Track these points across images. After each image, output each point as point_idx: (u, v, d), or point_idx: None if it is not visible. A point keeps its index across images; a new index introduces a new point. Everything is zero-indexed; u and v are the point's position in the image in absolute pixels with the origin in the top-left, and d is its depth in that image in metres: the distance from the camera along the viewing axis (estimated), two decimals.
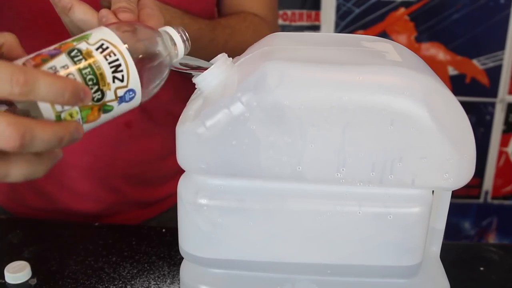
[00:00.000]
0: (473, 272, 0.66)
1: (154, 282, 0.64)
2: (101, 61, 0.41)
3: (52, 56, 0.40)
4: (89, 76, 0.41)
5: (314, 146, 0.48)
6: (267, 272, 0.55)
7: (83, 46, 0.42)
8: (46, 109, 0.39)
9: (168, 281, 0.64)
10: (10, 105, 0.40)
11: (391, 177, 0.49)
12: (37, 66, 0.39)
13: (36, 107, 0.39)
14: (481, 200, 1.86)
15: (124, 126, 0.79)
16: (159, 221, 0.89)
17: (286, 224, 0.51)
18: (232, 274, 0.55)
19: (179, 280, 0.60)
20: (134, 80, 0.43)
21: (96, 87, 0.41)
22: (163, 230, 0.74)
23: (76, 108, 0.40)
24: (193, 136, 0.48)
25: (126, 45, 0.43)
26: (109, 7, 0.50)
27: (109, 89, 0.42)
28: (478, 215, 1.89)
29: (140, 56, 0.44)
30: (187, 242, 0.54)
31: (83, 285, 0.64)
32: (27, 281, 0.63)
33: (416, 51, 1.57)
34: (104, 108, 0.42)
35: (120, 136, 0.79)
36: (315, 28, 1.73)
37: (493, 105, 1.75)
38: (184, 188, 0.52)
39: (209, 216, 0.51)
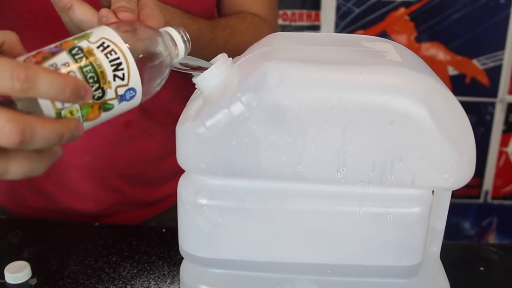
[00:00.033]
0: (473, 272, 0.66)
1: (154, 282, 0.64)
2: (102, 59, 0.41)
3: (53, 53, 0.40)
4: (90, 74, 0.41)
5: (314, 146, 0.48)
6: (267, 272, 0.55)
7: (84, 44, 0.42)
8: (47, 106, 0.39)
9: (168, 281, 0.64)
10: (9, 106, 0.40)
11: (391, 177, 0.49)
12: (38, 63, 0.39)
13: (36, 106, 0.39)
14: (481, 200, 1.86)
15: (124, 125, 0.79)
16: (159, 221, 0.89)
17: (286, 224, 0.51)
18: (232, 274, 0.55)
19: (179, 280, 0.60)
20: (134, 79, 0.43)
21: (97, 85, 0.41)
22: (163, 230, 0.74)
23: (77, 106, 0.40)
24: (193, 136, 0.48)
25: (127, 44, 0.43)
26: (109, 7, 0.50)
27: (110, 87, 0.42)
28: (478, 215, 1.89)
29: (141, 55, 0.44)
30: (187, 242, 0.54)
31: (83, 285, 0.64)
32: (27, 281, 0.63)
33: (416, 51, 1.57)
34: (105, 107, 0.42)
35: (120, 136, 0.79)
36: (315, 28, 1.73)
37: (493, 105, 1.75)
38: (184, 188, 0.52)
39: (209, 216, 0.51)
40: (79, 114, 0.41)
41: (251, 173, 0.50)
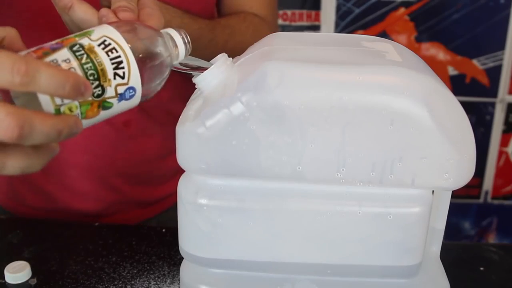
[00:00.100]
0: (473, 272, 0.66)
1: (154, 282, 0.64)
2: (103, 57, 0.41)
3: (54, 49, 0.40)
4: (90, 71, 0.41)
5: (314, 146, 0.48)
6: (267, 272, 0.55)
7: (85, 41, 0.42)
8: (46, 102, 0.39)
9: (168, 281, 0.64)
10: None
11: (391, 177, 0.49)
12: (38, 59, 0.39)
13: (35, 102, 0.39)
14: (481, 200, 1.86)
15: (124, 125, 0.79)
16: (159, 220, 0.89)
17: (286, 224, 0.51)
18: (232, 274, 0.55)
19: (179, 280, 0.60)
20: (135, 78, 0.43)
21: (97, 82, 0.41)
22: (163, 230, 0.74)
23: (76, 103, 0.40)
24: (193, 136, 0.48)
25: (128, 43, 0.43)
26: (109, 6, 0.50)
27: (110, 86, 0.42)
28: (478, 215, 1.89)
29: (142, 54, 0.44)
30: (187, 242, 0.54)
31: (83, 285, 0.64)
32: (27, 281, 0.63)
33: (416, 51, 1.57)
34: (104, 105, 0.42)
35: (120, 136, 0.79)
36: (315, 28, 1.73)
37: (493, 105, 1.75)
38: (184, 188, 0.52)
39: (209, 216, 0.51)
40: (78, 111, 0.41)
41: (251, 173, 0.49)
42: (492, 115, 1.76)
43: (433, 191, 0.52)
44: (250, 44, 0.56)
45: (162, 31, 0.48)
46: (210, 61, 0.50)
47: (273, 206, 0.51)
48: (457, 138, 0.48)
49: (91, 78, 0.41)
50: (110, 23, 0.45)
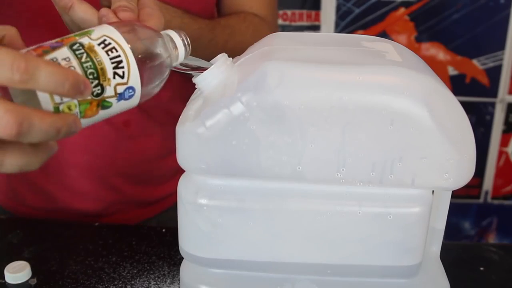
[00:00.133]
0: (473, 272, 0.66)
1: (154, 282, 0.64)
2: (103, 56, 0.41)
3: (54, 48, 0.40)
4: (90, 70, 0.40)
5: (314, 146, 0.48)
6: (267, 272, 0.55)
7: (85, 40, 0.42)
8: (45, 100, 0.39)
9: (168, 281, 0.64)
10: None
11: (391, 177, 0.49)
12: (38, 57, 0.39)
13: (34, 100, 0.39)
14: (481, 200, 1.86)
15: (124, 125, 0.79)
16: (159, 220, 0.89)
17: (286, 224, 0.51)
18: (232, 274, 0.55)
19: (179, 280, 0.60)
20: (134, 78, 0.43)
21: (96, 81, 0.41)
22: (163, 230, 0.74)
23: (75, 102, 0.40)
24: (193, 136, 0.48)
25: (128, 43, 0.43)
26: (109, 6, 0.50)
27: (109, 85, 0.42)
28: (478, 215, 1.89)
29: (142, 55, 0.44)
30: (187, 242, 0.54)
31: (83, 285, 0.64)
32: (27, 281, 0.63)
33: (416, 51, 1.57)
34: (103, 104, 0.42)
35: (120, 135, 0.79)
36: (315, 28, 1.73)
37: (493, 105, 1.75)
38: (184, 188, 0.52)
39: (209, 216, 0.51)
40: (77, 110, 0.41)
41: (251, 173, 0.49)
42: (492, 115, 1.76)
43: (433, 191, 0.52)
44: (250, 44, 0.56)
45: (162, 32, 0.48)
46: (210, 61, 0.50)
47: (273, 206, 0.51)
48: (457, 138, 0.48)
49: (91, 77, 0.41)
50: (110, 23, 0.45)
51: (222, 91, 0.48)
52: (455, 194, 0.98)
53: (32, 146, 0.39)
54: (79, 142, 0.78)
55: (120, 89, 0.42)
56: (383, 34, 1.71)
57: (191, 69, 0.50)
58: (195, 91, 0.53)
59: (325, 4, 1.69)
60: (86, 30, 0.43)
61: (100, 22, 0.49)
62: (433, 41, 1.71)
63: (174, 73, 0.50)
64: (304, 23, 1.72)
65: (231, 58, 0.51)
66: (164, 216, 0.89)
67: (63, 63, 0.40)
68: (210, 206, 0.51)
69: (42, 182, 0.82)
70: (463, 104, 0.48)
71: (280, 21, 1.71)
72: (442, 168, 0.48)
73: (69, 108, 0.40)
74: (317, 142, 0.48)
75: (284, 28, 1.72)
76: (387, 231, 0.51)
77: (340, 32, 1.73)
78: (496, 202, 1.87)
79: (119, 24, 0.45)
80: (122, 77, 0.42)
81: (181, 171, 0.52)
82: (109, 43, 0.42)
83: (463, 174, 0.49)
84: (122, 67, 0.42)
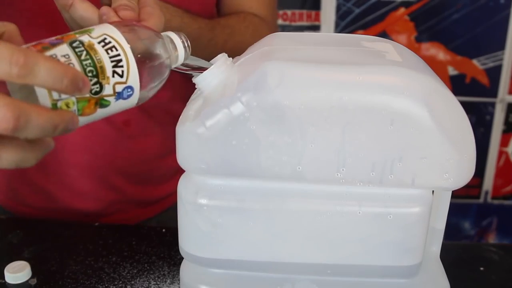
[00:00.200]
0: (473, 272, 0.66)
1: (154, 282, 0.64)
2: (102, 55, 0.41)
3: (53, 45, 0.40)
4: (89, 68, 0.40)
5: (314, 146, 0.48)
6: (267, 272, 0.55)
7: (85, 38, 0.42)
8: (43, 96, 0.38)
9: (168, 281, 0.64)
10: None
11: (391, 177, 0.49)
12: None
13: (32, 97, 0.38)
14: (481, 200, 1.86)
15: (124, 125, 0.79)
16: (159, 220, 0.89)
17: (286, 224, 0.51)
18: (232, 274, 0.55)
19: (179, 280, 0.60)
20: (133, 77, 0.43)
21: (95, 79, 0.41)
22: (163, 230, 0.74)
23: (73, 99, 0.40)
24: (193, 136, 0.48)
25: (128, 43, 0.43)
26: (110, 5, 0.50)
27: (108, 83, 0.42)
28: (478, 215, 1.89)
29: (141, 54, 0.44)
30: (187, 242, 0.54)
31: (83, 285, 0.64)
32: (27, 281, 0.63)
33: (416, 51, 1.57)
34: (101, 103, 0.42)
35: (120, 135, 0.79)
36: (315, 28, 1.73)
37: (493, 105, 1.75)
38: (184, 188, 0.52)
39: (209, 216, 0.51)
40: (75, 107, 0.40)
41: (251, 173, 0.49)
42: (492, 115, 1.76)
43: (433, 191, 0.52)
44: (250, 44, 0.56)
45: (162, 33, 0.48)
46: (210, 61, 0.50)
47: (273, 206, 0.51)
48: (457, 138, 0.48)
49: (90, 75, 0.40)
50: (111, 23, 0.45)
51: (222, 91, 0.48)
52: (455, 194, 0.98)
53: (28, 142, 0.39)
54: (79, 141, 0.78)
55: (119, 88, 0.42)
56: (383, 34, 1.71)
57: (191, 69, 0.50)
58: (195, 91, 0.53)
59: (325, 4, 1.69)
60: (86, 28, 0.43)
61: (101, 20, 0.49)
62: (433, 41, 1.71)
63: (174, 73, 0.50)
64: (304, 23, 1.72)
65: (231, 58, 0.51)
66: (164, 216, 0.89)
67: (62, 60, 0.39)
68: (210, 206, 0.51)
69: (42, 182, 0.82)
70: (463, 104, 0.48)
71: (280, 21, 1.71)
72: (442, 168, 0.48)
73: (67, 105, 0.40)
74: (317, 142, 0.48)
75: (284, 28, 1.72)
76: (387, 231, 0.51)
77: (340, 32, 1.73)
78: (496, 202, 1.87)
79: (119, 24, 0.45)
80: (121, 76, 0.42)
81: (181, 171, 0.52)
82: (109, 42, 0.42)
83: (463, 174, 0.49)
84: (122, 66, 0.42)
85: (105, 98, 0.42)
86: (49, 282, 0.64)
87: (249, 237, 0.52)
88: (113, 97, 0.42)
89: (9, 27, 0.43)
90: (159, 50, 0.46)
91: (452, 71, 1.74)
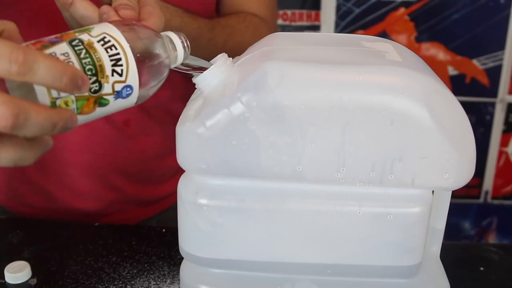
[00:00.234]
0: (473, 272, 0.66)
1: (154, 282, 0.64)
2: (102, 53, 0.41)
3: (53, 43, 0.40)
4: (88, 67, 0.40)
5: (314, 146, 0.48)
6: (267, 272, 0.55)
7: (85, 37, 0.42)
8: (42, 94, 0.38)
9: (168, 281, 0.64)
10: None
11: (391, 177, 0.49)
12: None
13: (31, 95, 0.38)
14: (481, 200, 1.86)
15: (124, 124, 0.79)
16: (159, 220, 0.89)
17: (286, 224, 0.51)
18: (232, 274, 0.55)
19: (179, 280, 0.60)
20: (132, 76, 0.43)
21: (94, 78, 0.41)
22: (163, 230, 0.74)
23: (72, 97, 0.40)
24: (193, 136, 0.48)
25: (128, 42, 0.43)
26: (110, 4, 0.50)
27: (107, 82, 0.42)
28: (478, 215, 1.89)
29: (141, 54, 0.44)
30: (187, 242, 0.54)
31: (83, 285, 0.64)
32: (27, 281, 0.63)
33: (416, 51, 1.57)
34: (100, 101, 0.42)
35: (120, 135, 0.79)
36: (315, 28, 1.73)
37: (493, 105, 1.75)
38: (184, 188, 0.52)
39: (209, 216, 0.51)
40: (74, 106, 0.40)
41: (251, 173, 0.49)
42: (492, 115, 1.76)
43: (433, 191, 0.52)
44: (250, 44, 0.56)
45: (162, 33, 0.48)
46: (210, 61, 0.50)
47: (273, 206, 0.51)
48: (457, 138, 0.48)
49: (89, 73, 0.40)
50: (111, 22, 0.45)
51: (222, 91, 0.48)
52: (455, 194, 0.98)
53: (27, 140, 0.39)
54: (79, 141, 0.78)
55: (118, 87, 0.42)
56: (383, 34, 1.71)
57: (191, 69, 0.50)
58: (195, 91, 0.53)
59: (325, 4, 1.69)
60: (86, 27, 0.43)
61: (101, 19, 0.49)
62: (433, 41, 1.71)
63: (174, 72, 0.50)
64: (304, 23, 1.72)
65: (231, 58, 0.51)
66: (164, 216, 0.89)
67: (61, 58, 0.39)
68: (210, 206, 0.51)
69: (42, 182, 0.82)
70: (463, 104, 0.48)
71: (280, 21, 1.71)
72: (442, 168, 0.48)
73: (66, 103, 0.40)
74: (317, 142, 0.48)
75: (284, 28, 1.72)
76: (387, 231, 0.51)
77: (340, 32, 1.73)
78: (496, 202, 1.87)
79: (119, 23, 0.45)
80: (121, 75, 0.42)
81: (181, 171, 0.52)
82: (109, 41, 0.42)
83: (463, 174, 0.49)
84: (121, 65, 0.42)
85: (104, 96, 0.42)
86: (49, 282, 0.64)
87: (249, 237, 0.52)
88: (112, 96, 0.42)
89: (8, 25, 0.43)
90: (158, 49, 0.46)
91: (452, 71, 1.74)
